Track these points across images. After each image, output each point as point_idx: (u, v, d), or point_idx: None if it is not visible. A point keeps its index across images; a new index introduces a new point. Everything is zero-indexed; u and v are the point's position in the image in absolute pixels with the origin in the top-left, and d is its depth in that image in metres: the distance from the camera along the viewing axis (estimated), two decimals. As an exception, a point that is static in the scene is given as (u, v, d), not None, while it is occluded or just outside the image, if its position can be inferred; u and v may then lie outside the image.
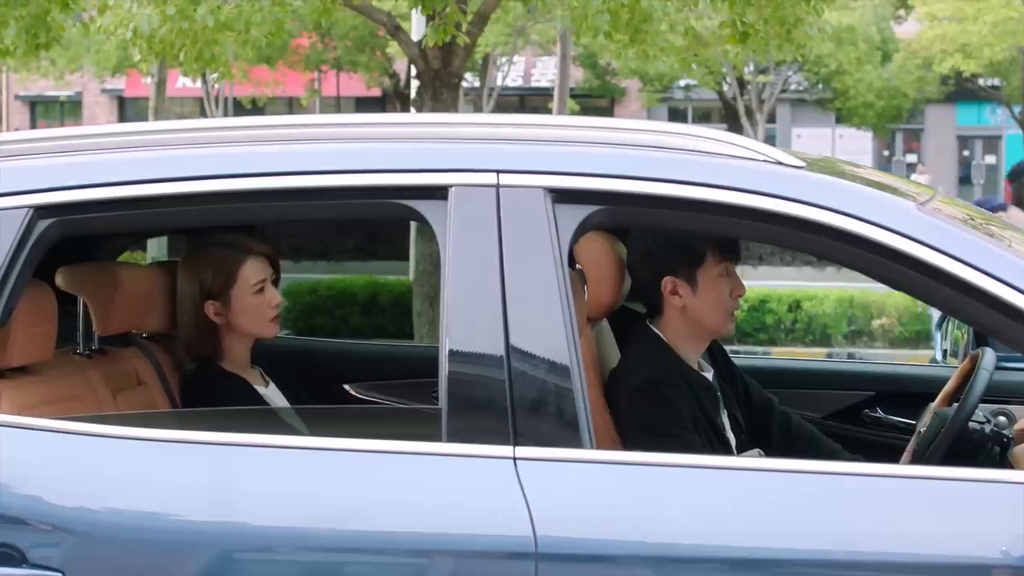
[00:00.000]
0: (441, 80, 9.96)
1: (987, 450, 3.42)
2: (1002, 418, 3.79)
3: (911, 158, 36.66)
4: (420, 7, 9.00)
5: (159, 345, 3.77)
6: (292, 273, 12.37)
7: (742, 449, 3.64)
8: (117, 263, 3.83)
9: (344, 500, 2.61)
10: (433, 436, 2.65)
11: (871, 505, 2.56)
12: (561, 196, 2.71)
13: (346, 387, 4.32)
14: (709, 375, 3.67)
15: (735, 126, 28.14)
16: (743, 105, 28.97)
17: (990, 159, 36.83)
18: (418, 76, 10.33)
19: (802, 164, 2.78)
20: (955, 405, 3.59)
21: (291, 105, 33.77)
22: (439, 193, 2.73)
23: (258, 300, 3.66)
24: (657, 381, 3.50)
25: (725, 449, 3.53)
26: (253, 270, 3.66)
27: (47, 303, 3.03)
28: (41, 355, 3.05)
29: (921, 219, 2.70)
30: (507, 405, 2.62)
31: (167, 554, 2.60)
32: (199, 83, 25.41)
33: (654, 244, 3.59)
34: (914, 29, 30.08)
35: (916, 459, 3.40)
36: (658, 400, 3.46)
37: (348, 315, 12.99)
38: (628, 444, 3.43)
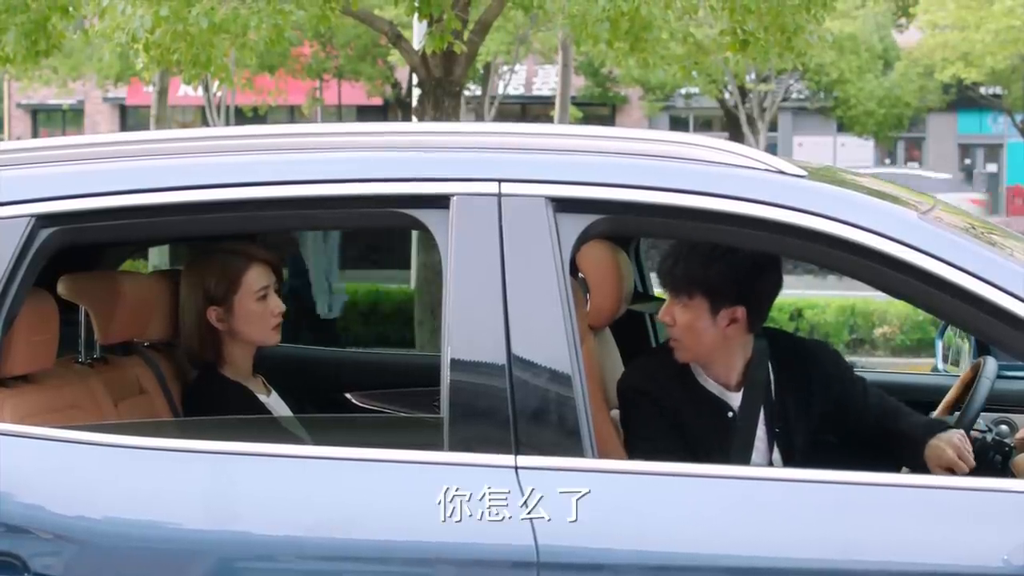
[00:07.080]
0: (443, 89, 9.97)
1: (989, 459, 3.42)
2: (1004, 427, 3.79)
3: (913, 166, 36.64)
4: (418, 13, 9.02)
5: (161, 353, 3.77)
6: (294, 281, 12.32)
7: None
8: (118, 272, 3.83)
9: (346, 509, 2.61)
10: (435, 445, 2.65)
11: (873, 514, 2.56)
12: (563, 205, 2.71)
13: (348, 396, 4.31)
14: (736, 397, 3.42)
15: (736, 135, 28.12)
16: (745, 113, 28.94)
17: (991, 167, 36.82)
18: (420, 85, 10.33)
19: (803, 173, 2.78)
20: (957, 414, 3.59)
21: (292, 114, 33.76)
22: (441, 202, 2.73)
23: (261, 307, 3.66)
24: (631, 388, 3.48)
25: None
26: (256, 277, 3.66)
27: (49, 312, 3.03)
28: (42, 364, 3.05)
29: (922, 228, 2.70)
30: (509, 414, 2.62)
31: (169, 563, 2.60)
32: (200, 91, 25.42)
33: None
34: (916, 37, 30.08)
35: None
36: (628, 404, 3.48)
37: (349, 324, 12.96)
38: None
